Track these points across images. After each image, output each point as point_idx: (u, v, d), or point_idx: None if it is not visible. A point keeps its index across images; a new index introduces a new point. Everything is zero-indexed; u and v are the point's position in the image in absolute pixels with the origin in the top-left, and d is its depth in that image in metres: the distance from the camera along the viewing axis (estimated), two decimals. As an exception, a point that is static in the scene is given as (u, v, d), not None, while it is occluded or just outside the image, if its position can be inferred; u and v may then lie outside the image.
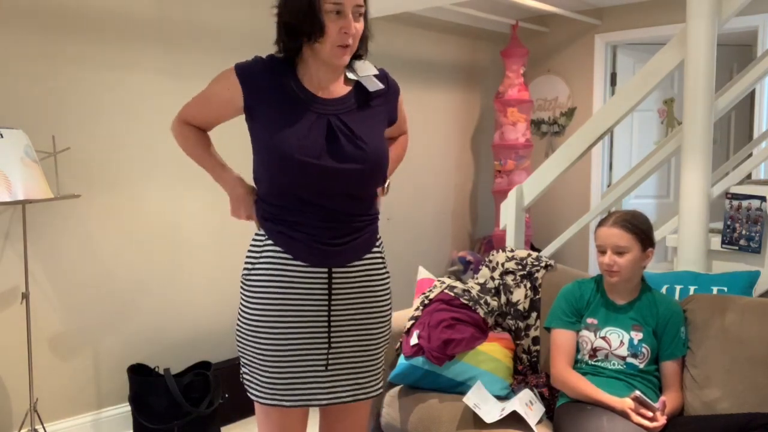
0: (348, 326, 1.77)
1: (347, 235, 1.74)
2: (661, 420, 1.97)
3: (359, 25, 1.67)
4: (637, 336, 2.16)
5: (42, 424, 2.89)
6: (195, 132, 1.86)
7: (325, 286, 1.73)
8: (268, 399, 1.74)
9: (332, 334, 1.75)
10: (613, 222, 2.19)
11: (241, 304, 1.77)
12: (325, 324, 1.74)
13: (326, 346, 1.75)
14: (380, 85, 1.81)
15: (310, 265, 1.71)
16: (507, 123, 5.05)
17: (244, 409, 3.48)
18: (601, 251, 2.21)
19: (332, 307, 1.74)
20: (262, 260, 1.74)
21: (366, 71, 1.80)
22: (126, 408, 3.28)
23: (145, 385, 3.07)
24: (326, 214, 1.71)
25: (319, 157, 1.67)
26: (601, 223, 2.23)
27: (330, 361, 1.75)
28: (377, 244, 1.83)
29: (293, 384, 1.74)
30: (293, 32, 1.67)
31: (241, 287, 1.78)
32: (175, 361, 3.46)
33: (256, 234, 1.79)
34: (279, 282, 1.71)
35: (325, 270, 1.72)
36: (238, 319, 1.79)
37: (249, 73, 1.72)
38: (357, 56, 1.81)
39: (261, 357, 1.73)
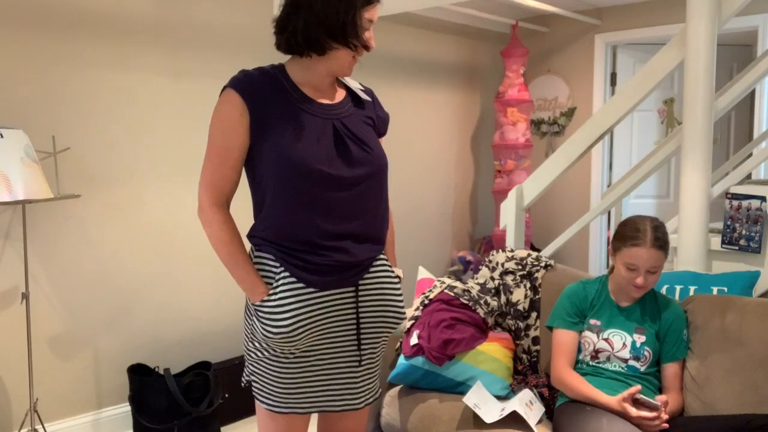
0: (373, 331, 1.78)
1: (364, 245, 1.73)
2: (664, 417, 1.97)
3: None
4: (639, 339, 2.16)
5: (42, 424, 2.89)
6: (231, 230, 1.70)
7: (353, 300, 1.73)
8: (282, 407, 1.73)
9: (362, 340, 1.76)
10: (651, 244, 2.09)
11: (260, 321, 1.69)
12: (354, 332, 1.74)
13: (356, 352, 1.76)
14: (368, 98, 1.84)
15: (339, 288, 1.71)
16: (507, 123, 5.05)
17: (244, 409, 3.48)
18: (632, 269, 2.13)
19: (360, 315, 1.74)
20: (282, 286, 1.68)
21: (354, 84, 1.84)
22: (126, 408, 3.28)
23: (145, 385, 3.07)
24: (342, 228, 1.69)
25: (330, 164, 1.65)
26: (635, 243, 2.11)
27: (360, 365, 1.77)
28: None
29: (312, 392, 1.73)
30: (332, 36, 1.63)
31: (259, 309, 1.70)
32: (175, 361, 3.46)
33: (260, 255, 1.74)
34: (307, 307, 1.68)
35: (353, 289, 1.73)
36: (253, 335, 1.73)
37: (247, 86, 1.65)
38: None
39: (280, 371, 1.71)
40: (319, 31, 1.62)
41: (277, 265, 1.68)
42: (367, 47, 1.68)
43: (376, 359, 1.84)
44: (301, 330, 1.66)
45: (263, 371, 1.73)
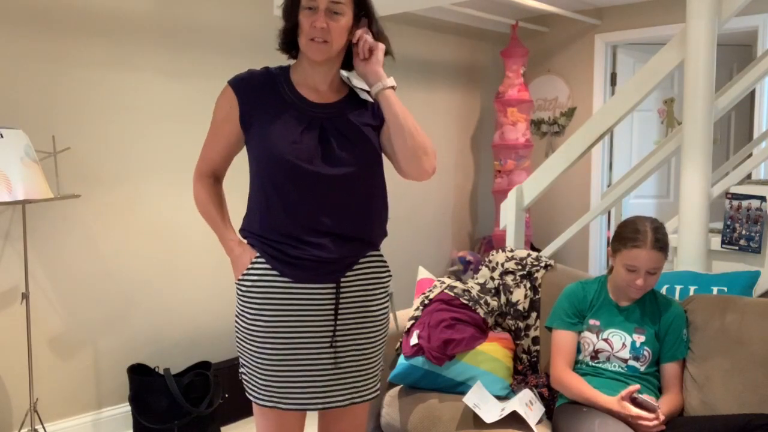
0: (351, 329, 1.78)
1: (346, 243, 1.75)
2: (661, 417, 1.97)
3: (335, 24, 1.69)
4: (639, 339, 2.16)
5: (42, 424, 2.89)
6: (209, 191, 1.86)
7: (333, 297, 1.74)
8: (266, 401, 1.75)
9: (336, 337, 1.76)
10: (651, 245, 2.09)
11: (239, 306, 1.77)
12: (331, 328, 1.75)
13: (330, 349, 1.75)
14: (371, 99, 1.84)
15: (317, 283, 1.73)
16: (507, 123, 5.05)
17: (244, 409, 3.48)
18: (632, 270, 2.12)
19: (339, 313, 1.75)
20: (256, 271, 1.74)
21: (362, 84, 1.85)
22: (126, 408, 3.28)
23: (145, 385, 3.07)
24: (322, 226, 1.71)
25: (312, 161, 1.69)
26: (636, 245, 2.10)
27: (337, 363, 1.76)
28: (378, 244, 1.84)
29: (291, 387, 1.74)
30: (284, 30, 1.76)
31: (238, 289, 1.78)
32: (175, 361, 3.46)
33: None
34: (281, 296, 1.72)
35: (333, 285, 1.74)
36: (236, 322, 1.79)
37: (242, 82, 1.77)
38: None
39: (259, 360, 1.74)
40: (279, 34, 1.78)
41: (258, 254, 1.75)
42: (311, 28, 1.68)
43: (370, 357, 1.83)
44: (270, 314, 1.70)
45: (248, 361, 1.76)
